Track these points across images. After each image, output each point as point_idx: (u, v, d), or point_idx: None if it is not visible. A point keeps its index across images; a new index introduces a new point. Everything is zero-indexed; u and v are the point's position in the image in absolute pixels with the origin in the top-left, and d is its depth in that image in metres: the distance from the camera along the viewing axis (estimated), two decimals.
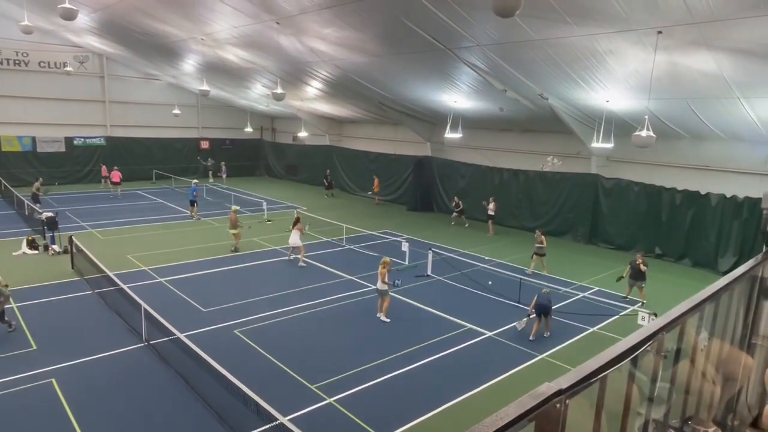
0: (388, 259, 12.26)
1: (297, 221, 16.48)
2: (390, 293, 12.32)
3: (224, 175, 34.36)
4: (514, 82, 15.43)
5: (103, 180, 29.90)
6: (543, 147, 21.66)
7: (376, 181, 28.19)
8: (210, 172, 34.25)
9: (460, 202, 23.18)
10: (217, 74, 24.82)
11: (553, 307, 13.00)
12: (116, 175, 27.88)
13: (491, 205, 21.43)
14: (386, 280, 11.89)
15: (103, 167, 30.06)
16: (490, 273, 15.76)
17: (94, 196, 27.16)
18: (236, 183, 33.50)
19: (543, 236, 16.15)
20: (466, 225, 22.70)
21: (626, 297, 13.96)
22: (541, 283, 14.02)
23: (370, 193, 28.48)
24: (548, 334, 11.46)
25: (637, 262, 13.51)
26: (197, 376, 8.63)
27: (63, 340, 10.62)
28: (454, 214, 23.22)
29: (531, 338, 11.23)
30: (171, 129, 34.01)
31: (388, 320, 11.97)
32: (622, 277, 13.92)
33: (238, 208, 18.80)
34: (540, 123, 20.00)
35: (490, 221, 21.55)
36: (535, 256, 16.27)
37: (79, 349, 10.14)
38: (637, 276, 13.51)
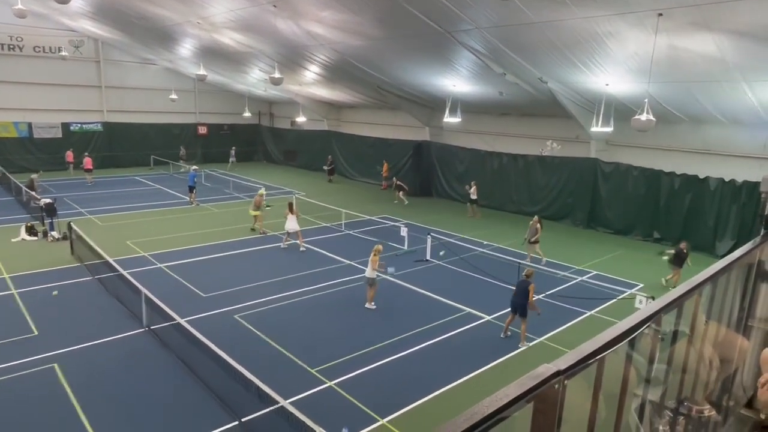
0: (380, 246, 12.24)
1: (291, 207, 16.45)
2: (377, 279, 12.17)
3: (232, 160, 34.05)
4: (513, 65, 15.31)
5: (68, 166, 28.99)
6: (542, 131, 21.57)
7: (385, 165, 28.10)
8: (181, 161, 32.20)
9: (403, 185, 24.50)
10: (214, 59, 24.60)
11: (552, 291, 13.14)
12: (88, 162, 27.08)
13: (472, 189, 21.72)
14: (376, 267, 11.83)
15: (69, 152, 28.96)
16: (489, 258, 15.80)
17: (93, 183, 27.00)
18: (234, 168, 33.36)
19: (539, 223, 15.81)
20: (406, 203, 23.85)
21: (667, 281, 13.89)
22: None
23: (379, 170, 28.45)
24: (523, 345, 10.26)
25: (684, 251, 13.73)
26: (198, 361, 8.70)
27: (64, 325, 10.68)
28: (398, 192, 24.44)
29: (502, 336, 10.58)
30: (168, 114, 33.78)
31: (374, 307, 11.90)
32: (664, 253, 14.18)
33: (264, 192, 19.06)
34: (539, 107, 19.90)
35: (473, 204, 21.84)
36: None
37: (80, 334, 10.20)
38: (679, 262, 13.70)
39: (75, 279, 13.35)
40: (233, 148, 34.73)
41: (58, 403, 7.97)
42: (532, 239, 15.71)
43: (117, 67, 31.73)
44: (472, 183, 21.98)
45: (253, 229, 18.41)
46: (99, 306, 11.70)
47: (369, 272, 11.93)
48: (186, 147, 33.63)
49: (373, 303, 11.98)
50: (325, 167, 30.66)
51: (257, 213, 18.20)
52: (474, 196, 21.74)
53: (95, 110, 31.54)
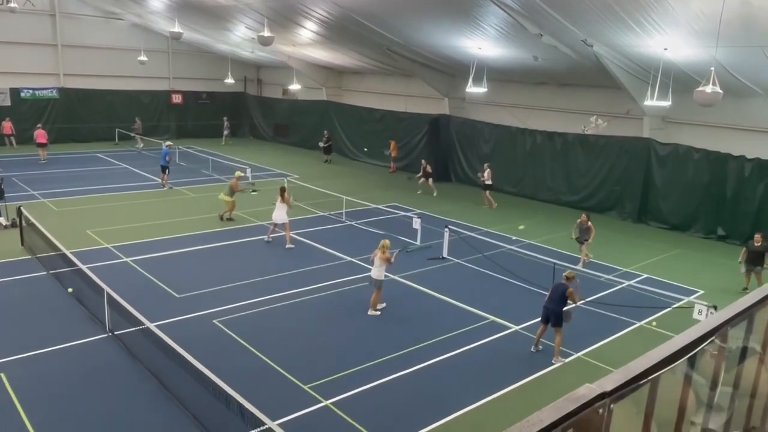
0: (387, 241, 12.21)
1: (282, 192, 16.42)
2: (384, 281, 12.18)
3: (226, 132, 34.91)
4: (552, 24, 15.19)
5: (6, 139, 29.06)
6: (585, 105, 21.43)
7: (392, 144, 28.01)
8: (136, 136, 31.78)
9: (428, 167, 23.77)
10: (192, 13, 24.58)
11: (593, 297, 13.11)
12: (41, 135, 26.83)
13: (486, 173, 21.61)
14: (391, 261, 11.85)
15: (6, 123, 28.88)
16: (518, 256, 15.79)
17: (47, 160, 27.15)
18: (214, 146, 33.45)
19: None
20: (435, 193, 23.43)
21: (746, 289, 13.74)
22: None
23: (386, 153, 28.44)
24: (557, 361, 10.30)
25: (756, 244, 13.48)
26: (170, 373, 8.77)
27: (13, 329, 10.80)
28: (421, 180, 23.86)
29: (532, 349, 10.65)
30: (136, 79, 33.85)
31: (379, 313, 11.98)
32: (740, 262, 13.86)
33: (241, 174, 19.18)
34: (582, 75, 19.76)
35: (486, 191, 21.74)
36: None
37: (32, 339, 10.30)
38: (756, 260, 13.48)
39: (26, 274, 13.47)
40: (225, 118, 35.31)
41: (5, 420, 8.07)
42: (589, 240, 15.64)
43: (76, 22, 31.75)
44: (486, 166, 21.90)
45: (221, 218, 18.60)
46: (54, 306, 11.81)
47: (375, 272, 11.93)
48: (142, 119, 32.95)
49: (378, 308, 12.02)
50: (321, 144, 30.63)
51: (230, 199, 18.38)
52: (489, 182, 21.64)
53: (50, 74, 31.62)
